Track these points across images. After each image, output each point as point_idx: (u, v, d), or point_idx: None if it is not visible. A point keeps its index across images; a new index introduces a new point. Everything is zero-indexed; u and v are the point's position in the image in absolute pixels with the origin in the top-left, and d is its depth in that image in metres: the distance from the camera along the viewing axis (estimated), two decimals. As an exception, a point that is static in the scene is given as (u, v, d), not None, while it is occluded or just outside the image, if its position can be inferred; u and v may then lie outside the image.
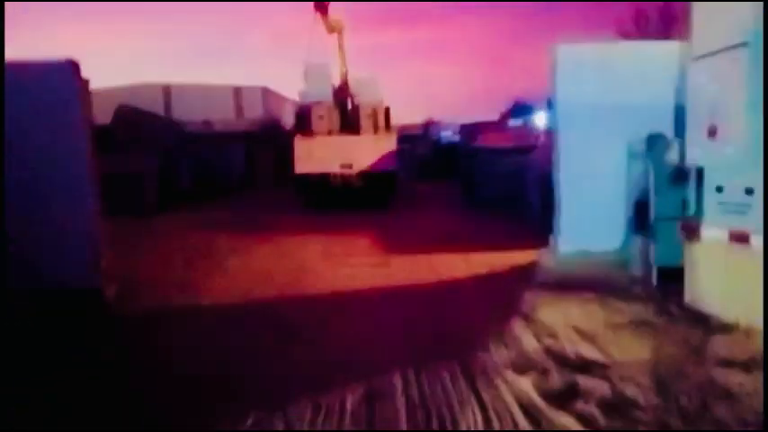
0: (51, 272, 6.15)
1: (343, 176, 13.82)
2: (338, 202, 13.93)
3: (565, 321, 5.08)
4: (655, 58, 6.87)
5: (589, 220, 6.99)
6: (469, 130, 19.25)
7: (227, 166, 22.50)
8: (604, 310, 5.27)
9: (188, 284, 7.18)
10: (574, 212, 6.97)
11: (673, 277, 6.03)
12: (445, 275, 7.06)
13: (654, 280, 6.11)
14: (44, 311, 5.91)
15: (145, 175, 15.22)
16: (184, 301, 6.49)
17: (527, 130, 12.30)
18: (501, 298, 5.96)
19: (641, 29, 32.70)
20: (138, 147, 16.90)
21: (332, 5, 16.15)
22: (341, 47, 17.02)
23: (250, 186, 21.45)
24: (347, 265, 7.98)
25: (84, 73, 6.28)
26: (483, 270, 7.21)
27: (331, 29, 16.67)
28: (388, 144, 13.93)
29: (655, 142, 6.39)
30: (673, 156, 6.12)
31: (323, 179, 13.85)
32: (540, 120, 19.23)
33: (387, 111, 14.31)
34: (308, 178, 13.87)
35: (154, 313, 6.20)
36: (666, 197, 6.19)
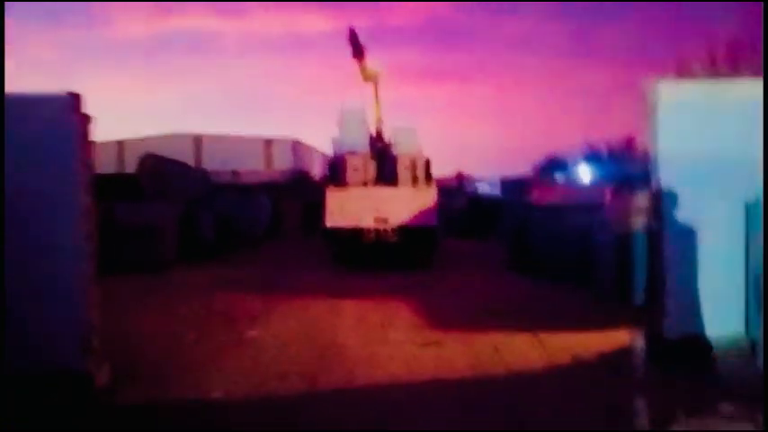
0: (30, 350, 4.95)
1: (377, 231, 12.59)
2: (372, 259, 12.65)
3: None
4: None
5: (703, 299, 5.53)
6: (514, 185, 17.97)
7: (254, 217, 21.60)
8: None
9: (199, 365, 5.88)
10: (683, 288, 5.52)
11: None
12: (516, 365, 5.61)
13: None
14: (17, 397, 4.68)
15: (164, 227, 14.24)
16: (191, 390, 5.18)
17: (591, 185, 10.98)
18: (603, 406, 4.50)
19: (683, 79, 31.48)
20: (163, 196, 16.04)
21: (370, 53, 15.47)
22: (377, 96, 16.18)
23: (277, 238, 20.37)
24: (388, 342, 6.59)
25: (96, 114, 5.20)
26: (564, 358, 5.74)
27: (367, 77, 15.89)
28: (428, 198, 12.71)
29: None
30: None
31: (356, 234, 12.63)
32: (584, 174, 17.88)
33: (427, 162, 13.16)
34: (340, 232, 12.66)
35: (151, 406, 4.90)
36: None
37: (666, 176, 5.50)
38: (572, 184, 12.26)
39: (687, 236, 5.56)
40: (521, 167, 23.11)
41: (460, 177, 29.63)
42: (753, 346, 5.40)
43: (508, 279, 10.73)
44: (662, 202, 5.57)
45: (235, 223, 19.43)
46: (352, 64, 15.51)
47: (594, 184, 11.07)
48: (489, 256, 14.00)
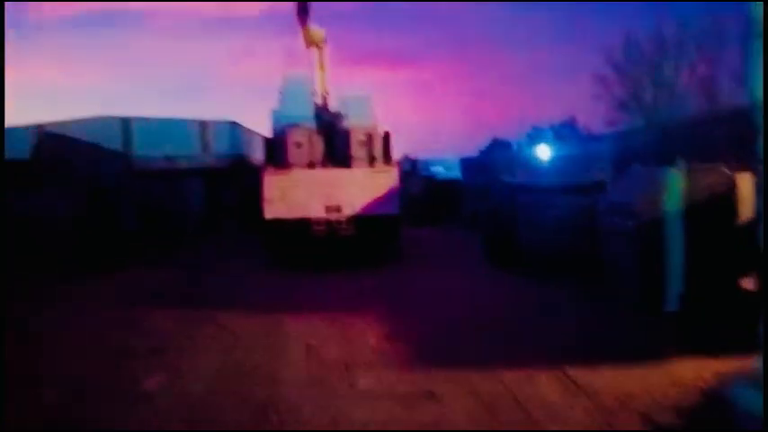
0: None
1: (328, 223, 10.38)
2: (322, 257, 10.47)
3: None
4: None
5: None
6: (480, 165, 16.11)
7: (184, 207, 19.00)
8: None
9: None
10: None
11: None
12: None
13: None
14: None
15: (63, 220, 11.62)
16: None
17: (587, 161, 9.19)
18: None
19: (633, 59, 30.72)
20: (67, 183, 13.28)
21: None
22: (321, 63, 13.92)
23: (211, 231, 17.87)
24: (356, 394, 4.44)
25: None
26: (628, 420, 3.76)
27: (310, 41, 13.61)
28: (388, 180, 10.57)
29: None
30: None
31: (302, 226, 10.36)
32: (543, 152, 16.28)
33: (386, 136, 10.97)
34: (283, 225, 10.36)
35: None
36: None
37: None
38: (559, 161, 10.43)
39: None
40: (465, 150, 21.57)
41: (409, 160, 27.69)
42: None
43: (492, 278, 8.77)
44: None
45: (161, 214, 16.87)
46: (293, 39, 13.40)
47: (587, 162, 9.30)
48: (458, 247, 12.07)
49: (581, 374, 4.54)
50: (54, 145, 14.48)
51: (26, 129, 23.44)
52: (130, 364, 5.34)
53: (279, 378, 4.81)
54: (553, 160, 10.00)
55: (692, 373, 4.43)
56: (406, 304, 7.35)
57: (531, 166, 9.84)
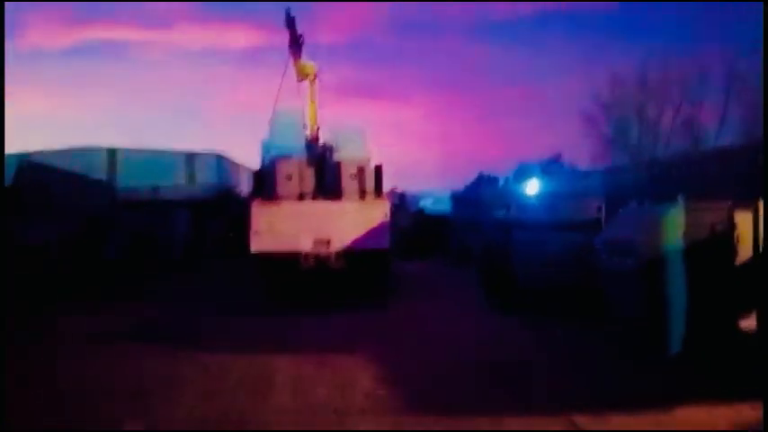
0: None
1: (317, 257, 10.10)
2: (310, 291, 10.17)
3: None
4: None
5: None
6: (471, 199, 16.00)
7: (170, 237, 18.66)
8: None
9: None
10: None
11: None
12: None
13: None
14: None
15: (46, 249, 11.28)
16: None
17: (580, 198, 9.07)
18: None
19: (617, 96, 31.29)
20: (48, 212, 12.95)
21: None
22: (312, 96, 13.87)
23: (196, 261, 17.52)
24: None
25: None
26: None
27: (303, 74, 13.57)
28: (379, 213, 10.35)
29: None
30: None
31: (290, 260, 10.07)
32: (532, 187, 16.26)
33: (378, 170, 10.81)
34: (270, 258, 10.06)
35: None
36: None
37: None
38: (551, 197, 10.31)
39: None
40: (451, 185, 21.63)
41: (398, 194, 27.65)
42: None
43: (488, 316, 8.53)
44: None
45: (146, 245, 16.51)
46: (284, 71, 13.39)
47: (580, 198, 9.18)
48: (449, 281, 11.84)
49: (588, 422, 4.30)
50: (34, 174, 14.14)
51: (10, 157, 23.07)
52: (110, 405, 4.98)
53: (265, 420, 4.49)
54: (543, 197, 9.91)
55: (703, 419, 4.22)
56: (402, 344, 7.06)
57: (521, 202, 9.69)
